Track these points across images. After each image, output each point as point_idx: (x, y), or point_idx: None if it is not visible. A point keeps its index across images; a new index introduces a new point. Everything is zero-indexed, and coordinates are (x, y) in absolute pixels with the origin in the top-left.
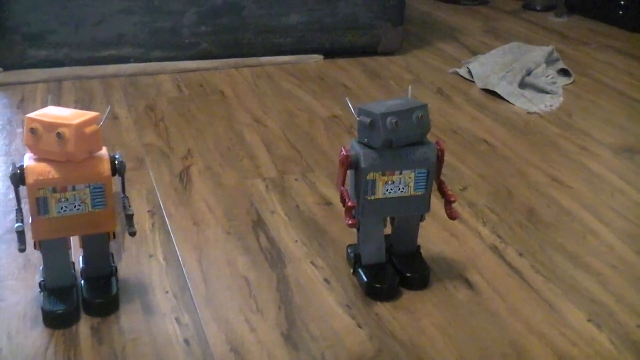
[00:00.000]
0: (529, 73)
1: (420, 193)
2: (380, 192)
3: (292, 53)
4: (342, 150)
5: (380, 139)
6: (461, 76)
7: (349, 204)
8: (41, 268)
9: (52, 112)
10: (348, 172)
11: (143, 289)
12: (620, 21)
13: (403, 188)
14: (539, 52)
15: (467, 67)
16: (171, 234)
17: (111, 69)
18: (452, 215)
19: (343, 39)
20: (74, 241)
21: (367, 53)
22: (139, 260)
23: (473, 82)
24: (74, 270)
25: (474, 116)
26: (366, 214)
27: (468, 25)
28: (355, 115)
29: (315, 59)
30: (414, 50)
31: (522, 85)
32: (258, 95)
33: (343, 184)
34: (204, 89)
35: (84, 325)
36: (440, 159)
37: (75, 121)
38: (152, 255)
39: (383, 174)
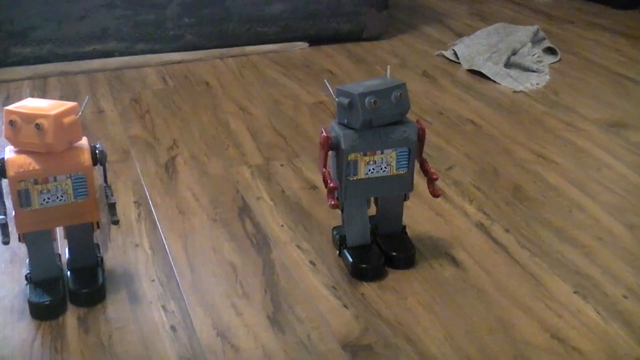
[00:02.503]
0: (514, 53)
1: (402, 172)
2: (362, 173)
3: (276, 42)
4: (322, 132)
5: (360, 119)
6: (447, 58)
7: (331, 185)
8: (27, 261)
9: (31, 104)
10: (329, 153)
11: (129, 278)
12: None
13: (385, 168)
14: (524, 32)
15: (453, 49)
16: (157, 223)
17: (96, 63)
18: (434, 193)
19: (328, 25)
20: (60, 233)
21: (352, 39)
22: (125, 250)
23: (459, 63)
24: (60, 261)
25: (460, 97)
26: (349, 195)
27: (453, 9)
28: (334, 97)
29: (300, 47)
30: (399, 35)
31: (508, 65)
32: (243, 84)
33: (325, 166)
34: (189, 80)
35: (71, 316)
36: (421, 138)
37: (54, 112)
38: (138, 244)
39: (364, 154)
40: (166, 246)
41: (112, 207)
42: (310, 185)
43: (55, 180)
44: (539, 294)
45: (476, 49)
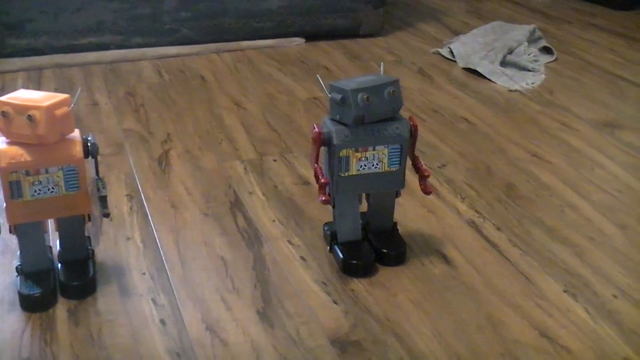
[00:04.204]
0: (510, 52)
1: (394, 169)
2: (354, 169)
3: (273, 37)
4: (314, 128)
5: (352, 115)
6: (443, 56)
7: (322, 180)
8: (18, 252)
9: (23, 95)
10: (322, 149)
11: (120, 271)
12: None
13: (377, 164)
14: (520, 31)
15: (449, 47)
16: (149, 216)
17: (91, 56)
18: (426, 190)
19: (324, 22)
20: (51, 225)
21: (348, 35)
22: (116, 243)
23: (455, 61)
24: (51, 254)
25: (455, 95)
26: (341, 191)
27: (450, 7)
28: (327, 93)
29: (296, 43)
30: (395, 32)
31: (504, 63)
32: (238, 79)
33: (317, 161)
34: (184, 74)
35: (61, 308)
36: (413, 135)
37: (46, 103)
38: (130, 238)
39: (356, 151)
40: (157, 240)
41: (103, 199)
42: (303, 181)
43: (46, 172)
44: (529, 292)
45: (472, 47)
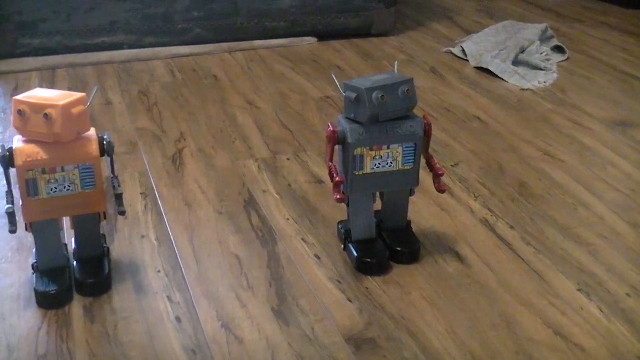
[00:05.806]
0: (522, 50)
1: (408, 167)
2: (368, 167)
3: (285, 36)
4: (328, 126)
5: (366, 113)
6: (455, 55)
7: (337, 178)
8: (33, 250)
9: (39, 94)
10: (336, 147)
11: (135, 268)
12: None
13: (391, 162)
14: (532, 30)
15: (461, 46)
16: (163, 215)
17: (104, 55)
18: (440, 189)
19: (336, 21)
20: (66, 222)
21: (360, 35)
22: (131, 241)
23: (467, 60)
24: (66, 251)
25: (467, 94)
26: (355, 189)
27: (462, 5)
28: (341, 91)
29: (308, 42)
30: (407, 31)
31: (516, 62)
32: (251, 78)
33: (331, 160)
34: (197, 74)
35: (77, 305)
36: (427, 133)
37: (62, 102)
38: (144, 235)
39: (370, 149)
40: (172, 237)
41: (118, 197)
42: (316, 179)
43: (62, 170)
44: (542, 290)
45: (484, 46)
